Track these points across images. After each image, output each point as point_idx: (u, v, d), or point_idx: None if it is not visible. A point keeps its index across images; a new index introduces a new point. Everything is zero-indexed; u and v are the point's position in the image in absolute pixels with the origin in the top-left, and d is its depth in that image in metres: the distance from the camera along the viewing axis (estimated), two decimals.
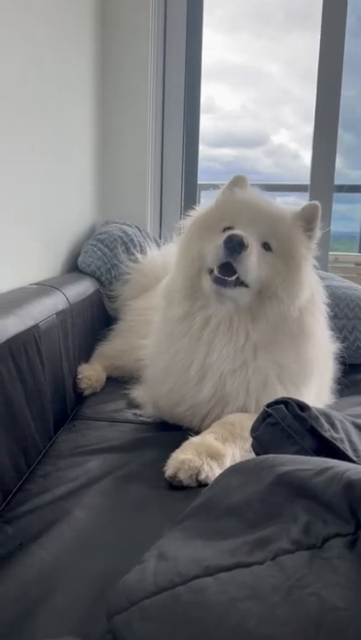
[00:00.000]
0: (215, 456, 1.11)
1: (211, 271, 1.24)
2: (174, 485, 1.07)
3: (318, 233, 1.32)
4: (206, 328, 1.29)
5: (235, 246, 1.16)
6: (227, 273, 1.20)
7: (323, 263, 2.43)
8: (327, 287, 1.87)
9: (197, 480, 1.07)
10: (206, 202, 1.42)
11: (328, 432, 0.83)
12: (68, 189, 1.99)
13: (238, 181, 1.37)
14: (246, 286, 1.23)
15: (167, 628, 0.52)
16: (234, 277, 1.20)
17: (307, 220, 1.31)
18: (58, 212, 1.88)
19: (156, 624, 0.53)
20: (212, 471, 1.07)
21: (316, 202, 1.31)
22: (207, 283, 1.25)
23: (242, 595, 0.51)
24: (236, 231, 1.20)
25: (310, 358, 1.33)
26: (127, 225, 2.18)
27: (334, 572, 0.51)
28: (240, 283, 1.22)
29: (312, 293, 1.32)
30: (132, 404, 1.49)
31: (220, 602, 0.51)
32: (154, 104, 2.43)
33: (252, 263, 1.20)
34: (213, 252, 1.21)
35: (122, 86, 2.34)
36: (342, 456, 0.81)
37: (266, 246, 1.26)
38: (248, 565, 0.55)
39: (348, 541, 0.53)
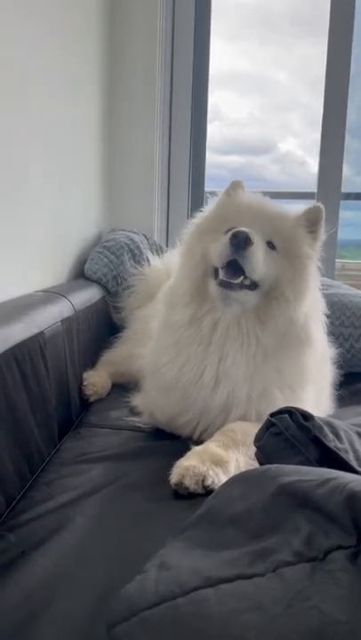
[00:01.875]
0: (219, 463, 1.11)
1: (216, 273, 1.24)
2: (180, 493, 1.06)
3: (323, 236, 1.32)
4: (215, 332, 1.27)
5: (240, 242, 1.16)
6: (232, 274, 1.20)
7: (329, 271, 2.43)
8: (333, 295, 1.88)
9: (203, 486, 1.06)
10: (209, 207, 1.41)
11: (332, 442, 0.83)
12: (76, 196, 2.00)
13: (236, 187, 1.37)
14: (253, 288, 1.23)
15: (168, 639, 0.52)
16: (240, 280, 1.20)
17: (310, 222, 1.30)
18: (65, 219, 1.89)
19: (157, 635, 0.53)
20: (218, 477, 1.07)
21: (319, 204, 1.30)
22: (213, 287, 1.25)
23: (242, 606, 0.51)
24: (242, 227, 1.19)
25: (309, 362, 1.32)
26: (134, 232, 2.19)
27: (336, 585, 0.50)
28: (246, 285, 1.22)
29: (313, 299, 1.32)
30: (134, 412, 1.49)
31: (220, 613, 0.51)
32: (161, 111, 2.44)
33: (259, 259, 1.19)
34: (218, 250, 1.21)
35: (129, 94, 2.36)
36: (346, 466, 0.81)
37: (270, 245, 1.25)
38: (249, 577, 0.55)
39: (351, 554, 0.53)
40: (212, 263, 1.25)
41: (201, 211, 1.43)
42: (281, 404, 1.24)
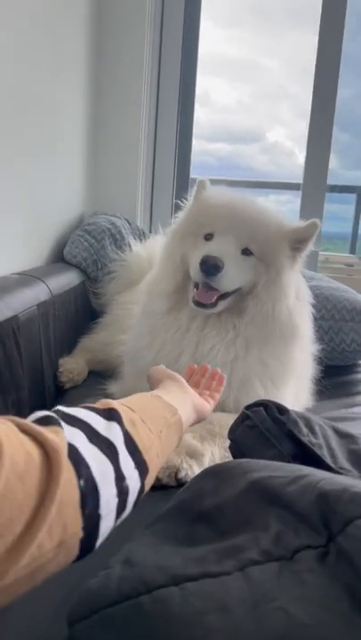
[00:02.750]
0: (194, 455, 1.09)
1: (196, 284, 1.26)
2: (152, 485, 1.05)
3: (309, 249, 1.31)
4: (194, 321, 1.29)
5: (209, 269, 1.19)
6: (206, 293, 1.23)
7: (312, 263, 2.42)
8: (315, 287, 1.87)
9: (176, 479, 1.05)
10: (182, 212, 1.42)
11: (307, 437, 0.82)
12: (58, 178, 1.95)
13: (202, 188, 1.37)
14: (227, 297, 1.26)
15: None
16: (213, 299, 1.24)
17: (302, 238, 1.28)
18: (45, 201, 1.85)
19: (118, 634, 0.51)
20: (191, 470, 1.06)
21: (317, 220, 1.28)
22: (190, 296, 1.28)
23: (207, 607, 0.49)
24: (212, 251, 1.21)
25: (295, 358, 1.32)
26: (116, 217, 2.15)
27: (303, 586, 0.49)
28: (221, 296, 1.25)
29: (298, 294, 1.31)
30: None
31: (184, 614, 0.49)
32: (148, 95, 2.39)
33: (231, 278, 1.23)
34: (193, 268, 1.24)
35: (116, 76, 2.30)
36: (320, 462, 0.79)
37: (246, 251, 1.26)
38: (215, 575, 0.53)
39: (319, 554, 0.52)
40: (190, 274, 1.28)
41: (185, 199, 1.42)
42: (261, 396, 1.25)
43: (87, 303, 1.93)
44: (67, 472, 0.47)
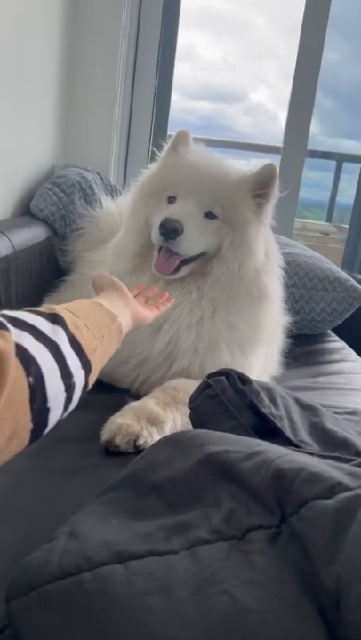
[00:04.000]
0: (155, 422, 1.07)
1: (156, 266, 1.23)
2: (110, 451, 1.02)
3: (275, 195, 1.26)
4: (155, 284, 1.25)
5: (168, 232, 1.16)
6: (167, 259, 1.21)
7: (287, 229, 2.38)
8: (289, 254, 1.83)
9: (135, 446, 1.02)
10: (153, 166, 1.36)
11: (268, 408, 0.79)
12: (27, 126, 1.84)
13: (181, 138, 1.32)
14: (189, 261, 1.23)
15: (66, 620, 0.47)
16: (173, 269, 1.21)
17: (261, 184, 1.24)
18: (12, 150, 1.74)
19: (56, 614, 0.48)
20: (151, 437, 1.03)
21: (271, 162, 1.24)
22: (152, 269, 1.25)
23: (150, 587, 0.47)
24: (172, 213, 1.18)
25: (264, 322, 1.30)
26: (87, 170, 2.05)
27: (252, 569, 0.47)
28: (184, 261, 1.22)
29: (267, 255, 1.28)
30: None
31: (125, 594, 0.47)
32: (126, 45, 2.26)
33: (191, 242, 1.19)
34: (154, 231, 1.21)
35: (93, 23, 2.16)
36: (280, 434, 0.77)
37: (210, 215, 1.23)
38: (161, 554, 0.50)
39: (271, 534, 0.50)
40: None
41: (160, 151, 1.36)
42: (228, 362, 1.22)
43: (54, 260, 1.84)
44: (15, 370, 0.49)
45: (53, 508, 0.82)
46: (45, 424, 0.55)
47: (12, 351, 0.49)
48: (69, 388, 0.58)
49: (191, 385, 1.15)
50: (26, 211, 1.88)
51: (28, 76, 1.79)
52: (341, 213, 3.85)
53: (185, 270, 1.23)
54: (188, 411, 1.10)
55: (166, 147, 1.34)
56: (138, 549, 0.51)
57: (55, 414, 0.56)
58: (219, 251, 1.23)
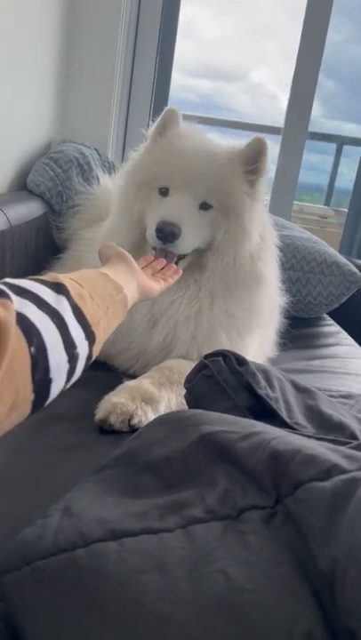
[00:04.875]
0: (150, 401, 1.07)
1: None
2: (104, 429, 1.02)
3: (266, 169, 1.22)
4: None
5: (166, 236, 1.13)
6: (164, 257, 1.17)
7: (286, 212, 2.36)
8: (287, 237, 1.82)
9: (130, 425, 1.02)
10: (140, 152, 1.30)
11: (264, 390, 0.79)
12: (24, 100, 1.80)
13: (170, 118, 1.25)
14: (185, 256, 1.21)
15: (59, 596, 0.47)
16: (172, 262, 1.17)
17: (252, 157, 1.20)
18: (9, 124, 1.71)
19: (49, 589, 0.48)
20: (146, 416, 1.03)
21: (260, 137, 1.21)
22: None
23: (144, 565, 0.47)
24: (168, 215, 1.14)
25: (261, 305, 1.29)
26: (85, 146, 2.02)
27: (246, 549, 0.47)
28: (178, 259, 1.19)
29: (263, 236, 1.26)
30: None
31: (119, 571, 0.47)
32: (127, 20, 2.21)
33: (189, 242, 1.17)
34: (150, 232, 1.17)
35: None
36: (276, 416, 0.77)
37: (205, 205, 1.20)
38: (156, 532, 0.50)
39: (266, 515, 0.50)
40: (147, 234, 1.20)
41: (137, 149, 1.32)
42: (226, 346, 1.21)
43: (49, 237, 1.82)
44: (16, 340, 0.48)
45: (47, 485, 0.82)
46: (47, 395, 0.54)
47: (12, 320, 0.48)
48: (72, 358, 0.57)
49: (186, 365, 1.15)
50: (22, 186, 1.86)
51: (26, 50, 1.75)
52: (340, 198, 3.82)
53: (182, 265, 1.21)
54: (183, 391, 1.11)
55: (153, 127, 1.27)
56: (132, 527, 0.51)
57: (57, 385, 0.55)
58: (213, 242, 1.20)
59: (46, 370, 0.52)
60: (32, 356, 0.50)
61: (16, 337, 0.48)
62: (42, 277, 0.60)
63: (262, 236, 1.26)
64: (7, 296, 0.51)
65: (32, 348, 0.50)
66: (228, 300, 1.24)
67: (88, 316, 0.62)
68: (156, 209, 1.18)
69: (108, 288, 0.74)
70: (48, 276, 0.61)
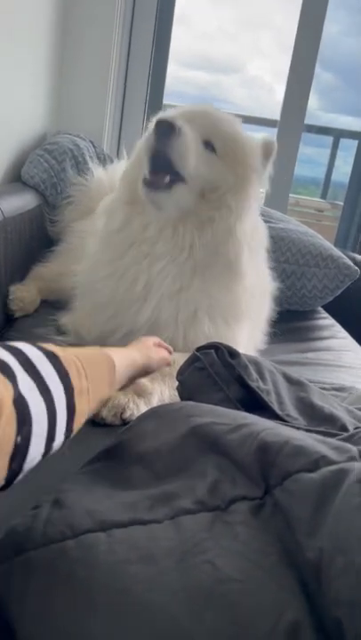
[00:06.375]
0: (142, 394, 1.06)
1: (145, 179, 1.14)
2: (97, 423, 1.02)
3: (266, 172, 1.24)
4: (146, 231, 1.19)
5: (165, 130, 1.05)
6: (158, 172, 1.10)
7: (282, 205, 2.35)
8: (282, 230, 1.82)
9: (122, 418, 1.02)
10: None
11: (255, 382, 0.79)
12: (19, 91, 1.79)
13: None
14: (183, 181, 1.13)
15: (49, 587, 0.47)
16: (167, 179, 1.11)
17: (267, 152, 1.22)
18: (4, 114, 1.69)
19: (39, 580, 0.48)
20: (138, 409, 1.03)
21: (273, 139, 1.22)
22: (140, 189, 1.15)
23: (133, 556, 0.47)
24: (165, 115, 1.09)
25: (242, 296, 1.27)
26: (80, 138, 2.01)
27: (234, 539, 0.47)
28: (175, 180, 1.12)
29: (253, 228, 1.25)
30: (60, 331, 1.41)
31: (108, 562, 0.47)
32: (122, 9, 2.19)
33: (188, 150, 1.10)
34: (145, 144, 1.11)
35: None
36: (267, 408, 0.78)
37: (208, 145, 1.15)
38: (145, 523, 0.51)
39: (254, 506, 0.50)
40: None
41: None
42: (211, 333, 1.21)
43: (43, 229, 1.82)
44: (7, 425, 0.46)
45: (37, 477, 0.82)
46: (10, 483, 0.52)
47: (8, 402, 0.46)
48: (47, 451, 0.55)
49: (178, 358, 1.14)
50: (16, 177, 1.85)
51: (21, 41, 1.74)
52: (335, 191, 3.82)
53: (178, 193, 1.14)
54: (176, 383, 1.11)
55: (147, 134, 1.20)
56: (121, 518, 0.51)
57: (22, 476, 0.53)
58: (216, 191, 1.16)
59: (22, 462, 0.50)
60: (16, 445, 0.48)
61: (8, 422, 0.46)
62: (57, 353, 0.58)
63: (252, 234, 1.25)
64: (11, 373, 0.48)
65: (18, 438, 0.48)
66: (207, 279, 1.21)
67: (77, 414, 0.59)
68: None
69: (106, 380, 0.73)
70: (65, 360, 0.58)
